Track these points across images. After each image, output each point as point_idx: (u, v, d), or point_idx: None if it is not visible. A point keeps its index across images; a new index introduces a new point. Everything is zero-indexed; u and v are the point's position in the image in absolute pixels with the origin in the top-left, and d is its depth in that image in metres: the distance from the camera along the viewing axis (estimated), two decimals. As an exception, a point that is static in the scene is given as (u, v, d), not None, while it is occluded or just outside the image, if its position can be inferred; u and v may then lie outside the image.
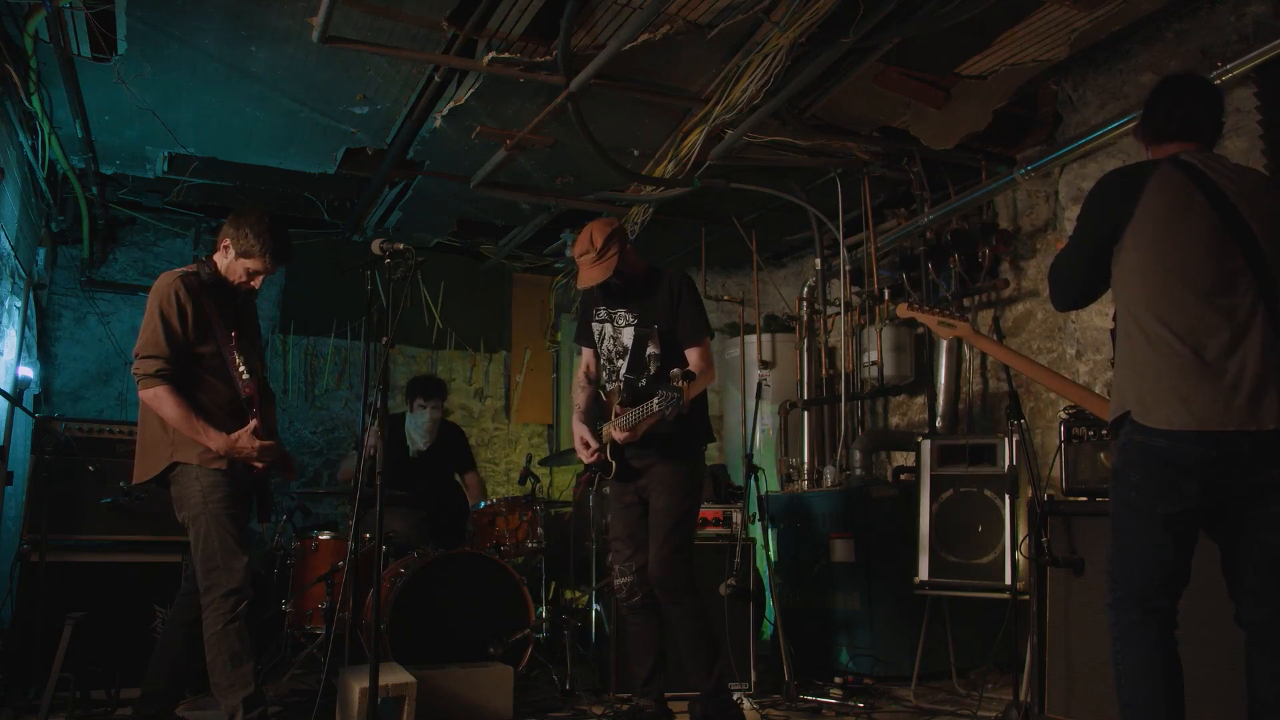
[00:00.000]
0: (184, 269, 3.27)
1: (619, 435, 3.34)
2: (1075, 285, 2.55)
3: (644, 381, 3.38)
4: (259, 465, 3.19)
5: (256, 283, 3.32)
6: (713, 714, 3.37)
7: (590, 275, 3.44)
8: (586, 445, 3.53)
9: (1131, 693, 2.31)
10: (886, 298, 5.56)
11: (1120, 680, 2.35)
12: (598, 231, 3.43)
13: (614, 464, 3.47)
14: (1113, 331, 2.68)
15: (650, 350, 3.39)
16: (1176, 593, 2.36)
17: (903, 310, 3.23)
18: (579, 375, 3.79)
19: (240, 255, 3.25)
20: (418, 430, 5.21)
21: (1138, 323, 2.36)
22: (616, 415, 3.39)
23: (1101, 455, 3.34)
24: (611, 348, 3.56)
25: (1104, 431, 3.34)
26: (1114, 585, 2.40)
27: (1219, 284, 2.31)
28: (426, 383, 5.32)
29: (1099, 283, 2.51)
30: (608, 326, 3.59)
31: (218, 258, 3.30)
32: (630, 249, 3.49)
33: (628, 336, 3.52)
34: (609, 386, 3.63)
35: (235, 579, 3.02)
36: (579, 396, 3.72)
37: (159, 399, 3.06)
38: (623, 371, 3.53)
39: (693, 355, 3.41)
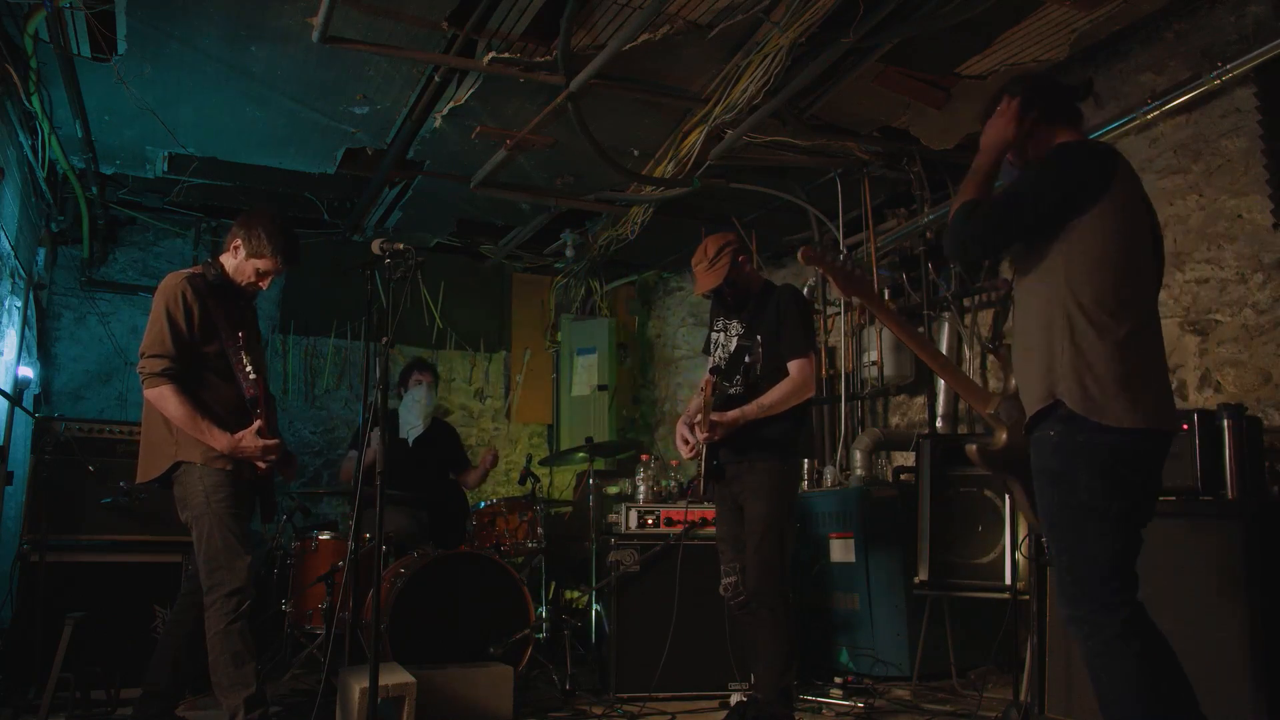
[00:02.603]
0: (190, 270, 3.28)
1: (701, 434, 3.44)
2: (1003, 238, 2.36)
3: (735, 389, 3.48)
4: (262, 465, 3.19)
5: (265, 283, 3.34)
6: (764, 717, 3.35)
7: (704, 282, 3.58)
8: (686, 442, 3.61)
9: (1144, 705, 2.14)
10: (887, 298, 5.56)
11: (1117, 697, 2.16)
12: (712, 243, 3.58)
13: (703, 465, 3.54)
14: (999, 313, 2.65)
15: (748, 360, 3.51)
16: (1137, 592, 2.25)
17: (805, 256, 2.76)
18: (701, 382, 3.90)
19: (251, 256, 3.27)
20: (412, 410, 5.21)
21: (1082, 311, 2.25)
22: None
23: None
24: (723, 356, 3.67)
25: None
26: (1079, 599, 2.22)
27: (1153, 286, 2.38)
28: (418, 360, 5.54)
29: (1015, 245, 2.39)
30: (721, 336, 3.72)
31: (226, 259, 3.31)
32: (745, 260, 3.59)
33: (734, 346, 3.62)
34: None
35: (238, 579, 3.02)
36: (693, 401, 3.78)
37: (164, 398, 3.07)
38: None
39: (792, 368, 3.47)
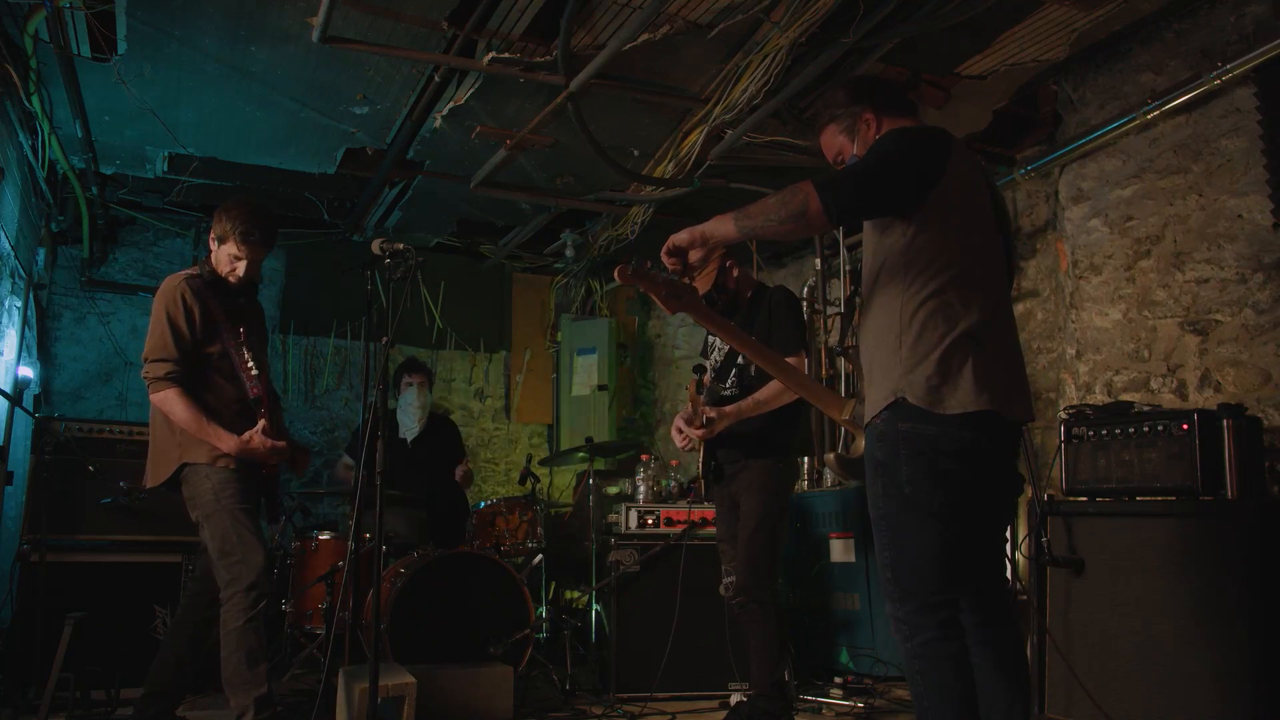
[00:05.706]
0: (187, 271, 3.29)
1: (696, 433, 3.47)
2: (894, 199, 2.18)
3: (729, 390, 3.54)
4: (268, 465, 3.20)
5: (240, 269, 3.25)
6: (759, 714, 3.40)
7: None
8: (680, 431, 3.61)
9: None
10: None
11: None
12: None
13: (701, 467, 3.59)
14: (853, 302, 2.60)
15: (740, 360, 3.56)
16: (970, 592, 2.19)
17: (620, 274, 2.49)
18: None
19: (219, 241, 3.26)
20: (407, 412, 5.24)
21: (929, 300, 2.16)
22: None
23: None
24: (718, 359, 3.71)
25: (1104, 431, 3.34)
26: (900, 598, 2.16)
27: (1002, 270, 2.32)
28: (410, 361, 5.51)
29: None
30: (717, 339, 3.75)
31: (212, 256, 3.31)
32: (733, 265, 3.63)
33: (729, 348, 3.64)
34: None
35: (254, 571, 3.02)
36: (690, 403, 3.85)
37: (169, 402, 3.07)
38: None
39: None
